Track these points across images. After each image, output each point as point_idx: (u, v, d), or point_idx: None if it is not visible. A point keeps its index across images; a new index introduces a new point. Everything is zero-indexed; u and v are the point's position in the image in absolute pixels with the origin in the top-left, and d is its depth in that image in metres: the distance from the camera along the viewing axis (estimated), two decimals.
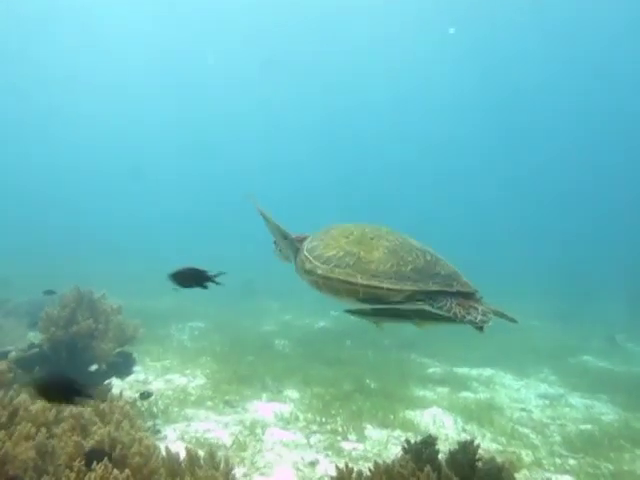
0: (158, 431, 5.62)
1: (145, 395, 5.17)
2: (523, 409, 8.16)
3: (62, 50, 41.04)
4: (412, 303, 2.74)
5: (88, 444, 2.97)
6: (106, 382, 6.01)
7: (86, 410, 3.16)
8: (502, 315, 2.71)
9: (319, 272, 2.86)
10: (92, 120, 49.95)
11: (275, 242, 3.47)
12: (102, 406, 3.15)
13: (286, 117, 54.65)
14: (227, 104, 52.23)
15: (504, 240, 41.35)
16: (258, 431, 5.97)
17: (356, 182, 56.61)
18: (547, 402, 8.64)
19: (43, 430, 2.76)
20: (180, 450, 4.73)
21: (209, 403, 6.91)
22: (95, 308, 5.77)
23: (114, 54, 43.53)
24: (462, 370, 10.48)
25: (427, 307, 2.69)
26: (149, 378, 7.82)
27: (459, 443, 3.13)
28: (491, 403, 8.28)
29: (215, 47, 44.05)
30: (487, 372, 10.44)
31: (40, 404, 3.06)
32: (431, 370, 10.33)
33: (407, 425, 6.74)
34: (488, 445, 6.39)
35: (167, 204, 51.09)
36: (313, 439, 5.93)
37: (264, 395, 7.57)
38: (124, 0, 37.26)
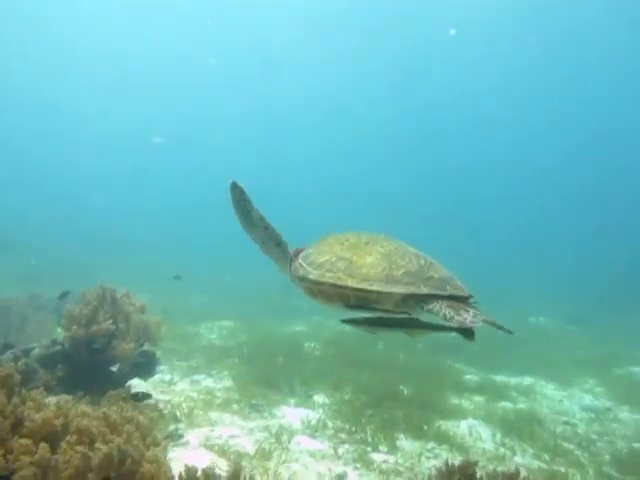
0: (180, 436, 5.40)
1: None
2: (567, 422, 7.65)
3: (62, 50, 41.99)
4: (404, 308, 2.71)
5: (96, 457, 2.74)
6: (127, 384, 5.86)
7: (95, 419, 2.93)
8: (497, 325, 2.52)
9: (310, 277, 2.86)
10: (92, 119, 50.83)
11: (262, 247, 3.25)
12: (113, 417, 2.91)
13: (287, 117, 54.76)
14: (227, 104, 52.74)
15: (542, 242, 40.23)
16: (284, 439, 5.69)
17: (358, 185, 55.63)
18: (593, 415, 8.10)
19: (45, 445, 2.52)
20: (201, 457, 4.48)
21: (235, 407, 6.68)
22: (117, 306, 5.60)
23: (114, 54, 44.34)
24: (500, 378, 9.99)
25: (418, 310, 2.65)
26: (174, 378, 7.65)
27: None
28: (532, 414, 7.79)
29: (216, 47, 44.72)
30: (527, 381, 9.92)
31: (46, 412, 2.84)
32: (467, 377, 9.88)
33: (442, 437, 6.35)
34: (530, 462, 5.96)
35: (189, 202, 51.19)
36: (341, 449, 5.61)
37: (292, 400, 7.30)
38: (124, 0, 37.98)
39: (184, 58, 46.11)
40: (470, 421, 7.15)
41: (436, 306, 2.52)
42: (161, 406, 5.99)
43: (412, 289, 2.59)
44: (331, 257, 2.87)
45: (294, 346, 10.29)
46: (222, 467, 4.32)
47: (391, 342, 11.73)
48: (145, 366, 5.74)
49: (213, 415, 6.19)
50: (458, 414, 7.54)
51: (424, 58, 42.42)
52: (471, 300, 2.71)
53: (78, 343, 5.20)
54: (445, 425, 6.87)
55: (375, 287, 2.62)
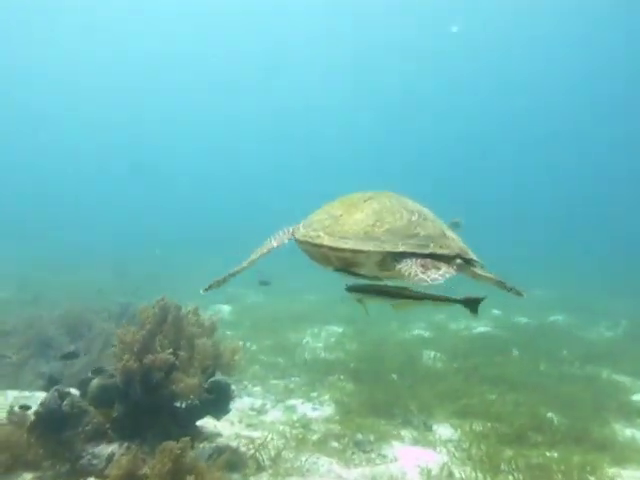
0: None
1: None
2: None
3: (62, 50, 42.97)
4: (387, 271, 2.51)
5: None
6: (198, 423, 4.83)
7: None
8: (504, 287, 2.44)
9: (295, 236, 2.79)
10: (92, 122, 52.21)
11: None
12: None
13: (287, 117, 54.73)
14: (228, 103, 52.72)
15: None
16: None
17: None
18: None
19: None
20: None
21: (335, 444, 5.40)
22: (181, 328, 4.58)
23: (114, 54, 44.97)
24: None
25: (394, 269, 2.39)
26: (266, 405, 6.54)
27: None
28: None
29: (217, 46, 44.80)
30: None
31: None
32: (636, 397, 7.67)
33: None
34: None
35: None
36: None
37: (407, 433, 5.85)
38: (124, 1, 38.29)
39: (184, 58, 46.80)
40: None
41: (405, 264, 2.31)
42: (243, 449, 4.90)
43: (386, 246, 2.40)
44: (324, 215, 2.73)
45: (411, 357, 8.77)
46: None
47: (527, 349, 9.80)
48: (217, 402, 4.67)
49: (306, 459, 4.95)
50: (634, 455, 5.57)
51: None
52: (459, 260, 2.44)
53: (130, 377, 4.24)
54: (620, 474, 4.99)
55: (348, 245, 2.44)
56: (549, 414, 6.49)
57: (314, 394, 7.02)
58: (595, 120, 48.92)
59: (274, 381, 7.56)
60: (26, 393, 5.79)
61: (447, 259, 2.41)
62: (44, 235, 27.90)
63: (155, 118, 54.46)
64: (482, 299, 2.49)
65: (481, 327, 11.98)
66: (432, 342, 10.24)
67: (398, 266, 2.33)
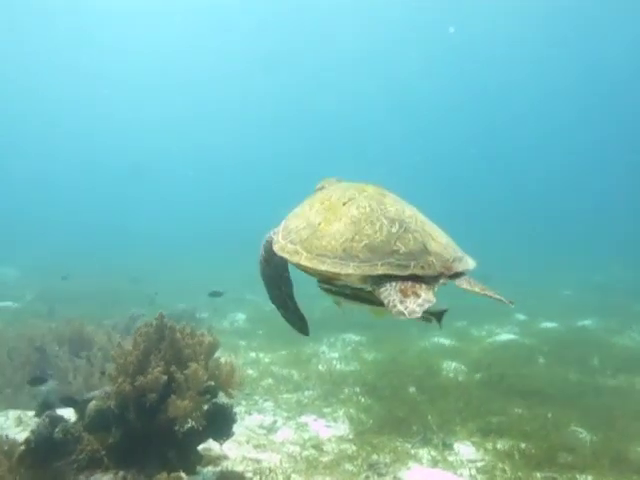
0: None
1: None
2: None
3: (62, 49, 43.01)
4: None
5: None
6: (205, 445, 4.55)
7: None
8: (492, 298, 2.23)
9: (274, 248, 2.63)
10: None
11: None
12: None
13: (287, 117, 54.58)
14: (229, 103, 52.41)
15: None
16: None
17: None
18: None
19: None
20: None
21: (348, 467, 5.05)
22: (177, 348, 4.30)
23: (115, 54, 45.00)
24: None
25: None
26: (277, 422, 6.22)
27: None
28: None
29: (216, 46, 44.57)
30: None
31: None
32: None
33: None
34: None
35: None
36: None
37: (425, 453, 5.47)
38: (124, 1, 38.21)
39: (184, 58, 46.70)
40: None
41: (385, 291, 2.15)
42: (249, 474, 4.60)
43: (365, 269, 2.22)
44: (302, 222, 2.59)
45: (430, 369, 8.37)
46: None
47: (555, 357, 9.32)
48: (217, 425, 4.37)
49: None
50: None
51: None
52: (442, 280, 2.27)
53: (125, 400, 3.98)
54: None
55: (325, 266, 2.28)
56: (581, 431, 6.05)
57: (328, 409, 6.69)
58: (595, 120, 48.94)
59: (286, 395, 7.25)
60: (28, 413, 5.59)
61: (430, 278, 2.26)
62: (57, 241, 28.10)
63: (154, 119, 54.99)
64: (445, 311, 2.43)
65: (505, 334, 11.49)
66: (453, 351, 9.82)
67: (378, 290, 2.20)
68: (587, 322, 13.00)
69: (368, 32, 41.66)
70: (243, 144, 57.99)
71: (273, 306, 3.31)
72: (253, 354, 9.40)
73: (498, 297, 2.23)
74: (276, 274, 3.05)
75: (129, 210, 48.45)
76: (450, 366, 8.58)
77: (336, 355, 9.63)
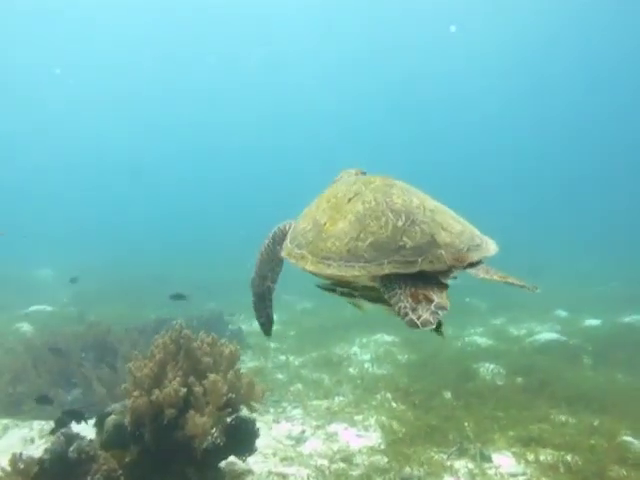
0: None
1: None
2: None
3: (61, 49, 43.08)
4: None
5: None
6: (229, 459, 4.34)
7: None
8: (514, 285, 2.06)
9: (282, 254, 2.56)
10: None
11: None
12: None
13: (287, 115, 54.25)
14: (229, 103, 52.30)
15: None
16: None
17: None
18: None
19: None
20: None
21: None
22: (195, 360, 4.10)
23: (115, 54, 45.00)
24: None
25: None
26: (306, 431, 5.97)
27: None
28: None
29: (216, 46, 44.59)
30: None
31: None
32: None
33: None
34: None
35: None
36: None
37: (462, 466, 5.13)
38: (124, 1, 38.23)
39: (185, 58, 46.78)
40: None
41: (394, 296, 2.00)
42: None
43: (371, 269, 2.07)
44: (308, 223, 2.47)
45: (466, 372, 7.99)
46: None
47: (601, 357, 8.79)
48: (238, 441, 4.15)
49: None
50: None
51: None
52: (455, 273, 2.14)
53: (140, 416, 3.81)
54: None
55: (330, 270, 2.17)
56: (633, 441, 5.58)
57: (359, 417, 6.40)
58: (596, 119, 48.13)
59: (316, 402, 7.00)
60: (52, 423, 5.52)
61: (440, 275, 2.12)
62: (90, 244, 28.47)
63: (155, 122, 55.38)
64: (441, 324, 2.29)
65: (546, 332, 10.91)
66: (491, 352, 9.38)
67: (387, 294, 2.05)
68: (636, 317, 12.26)
69: (368, 32, 41.53)
70: (243, 144, 58.31)
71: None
72: (283, 357, 9.19)
73: (520, 283, 2.07)
74: (270, 267, 3.03)
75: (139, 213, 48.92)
76: (487, 368, 8.17)
77: (368, 357, 9.33)
